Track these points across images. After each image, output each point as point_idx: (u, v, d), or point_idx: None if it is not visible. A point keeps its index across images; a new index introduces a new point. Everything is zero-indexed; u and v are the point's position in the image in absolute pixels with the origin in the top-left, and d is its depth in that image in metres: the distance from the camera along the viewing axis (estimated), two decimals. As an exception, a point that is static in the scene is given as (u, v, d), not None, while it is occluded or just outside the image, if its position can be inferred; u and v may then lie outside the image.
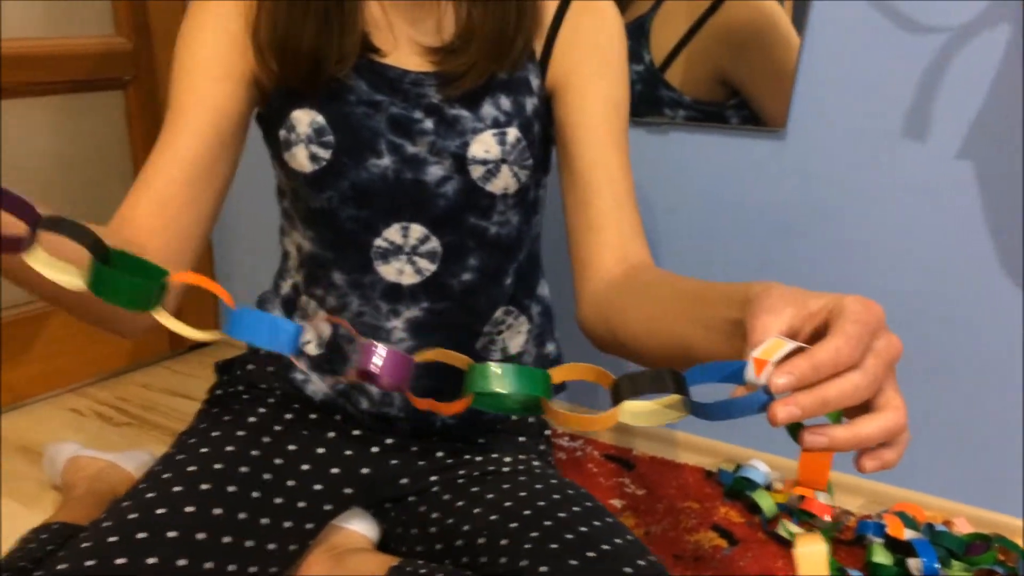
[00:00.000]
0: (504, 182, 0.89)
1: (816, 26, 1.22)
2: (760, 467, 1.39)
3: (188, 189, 0.82)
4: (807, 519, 1.27)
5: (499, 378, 0.50)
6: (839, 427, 0.49)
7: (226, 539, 0.80)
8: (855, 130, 1.25)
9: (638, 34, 1.29)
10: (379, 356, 0.52)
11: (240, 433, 0.92)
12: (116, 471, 1.21)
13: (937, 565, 1.14)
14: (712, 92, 1.29)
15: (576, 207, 0.89)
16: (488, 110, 0.87)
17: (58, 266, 0.51)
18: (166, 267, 0.80)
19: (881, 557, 1.17)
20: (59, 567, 0.74)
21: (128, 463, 1.23)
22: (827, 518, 1.27)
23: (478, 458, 0.97)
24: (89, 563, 0.74)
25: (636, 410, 0.51)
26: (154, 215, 0.80)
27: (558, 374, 0.52)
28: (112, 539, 0.77)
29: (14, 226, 0.57)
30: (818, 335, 0.51)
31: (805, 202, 1.30)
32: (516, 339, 1.00)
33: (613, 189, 0.88)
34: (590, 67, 0.89)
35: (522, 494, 0.87)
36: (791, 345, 0.48)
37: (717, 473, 1.42)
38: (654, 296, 0.76)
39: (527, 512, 0.83)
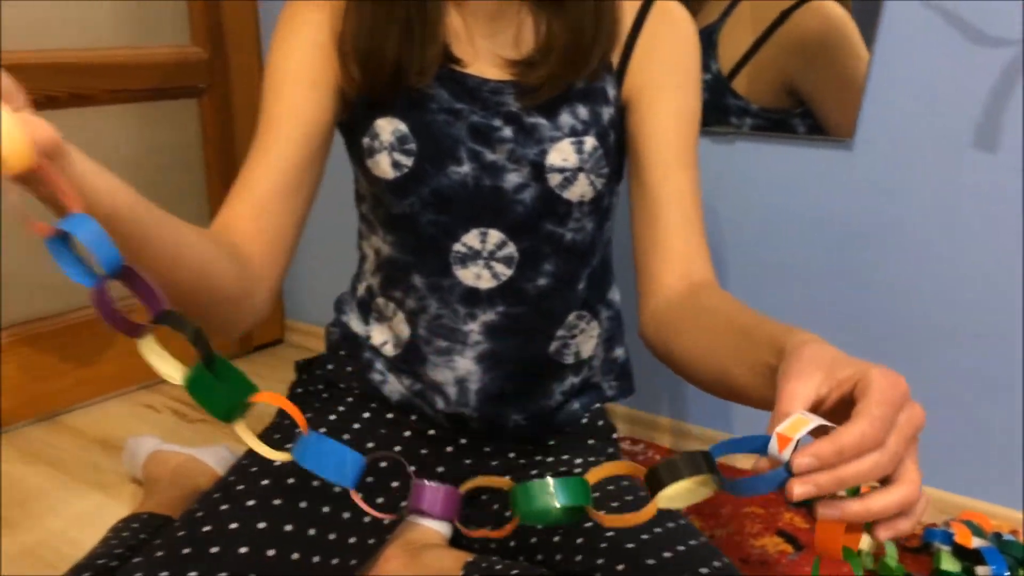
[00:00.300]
0: (581, 190, 0.91)
1: (886, 36, 1.22)
2: (823, 473, 1.39)
3: (283, 196, 0.86)
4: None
5: (541, 496, 0.54)
6: (853, 501, 0.51)
7: (311, 532, 0.84)
8: (924, 140, 1.24)
9: (706, 44, 1.31)
10: (431, 495, 0.56)
11: (321, 430, 0.96)
12: (197, 464, 1.26)
13: (1007, 573, 1.14)
14: (778, 100, 1.30)
15: (643, 220, 0.92)
16: (566, 119, 0.89)
17: (165, 358, 0.54)
18: (266, 269, 0.84)
19: (949, 564, 1.17)
20: (156, 554, 0.78)
21: (207, 457, 1.27)
22: (892, 526, 1.27)
23: (549, 459, 0.99)
24: (185, 551, 0.78)
25: (671, 494, 0.53)
26: (253, 220, 0.84)
27: (594, 475, 0.55)
28: (206, 528, 0.81)
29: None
30: (844, 402, 0.53)
31: (872, 212, 1.30)
32: (587, 343, 1.02)
33: (681, 205, 0.90)
34: (665, 79, 0.91)
35: (595, 495, 0.89)
36: (814, 423, 0.50)
37: (779, 479, 1.42)
38: (707, 326, 0.79)
39: (602, 512, 0.85)
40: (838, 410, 0.54)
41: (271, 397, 0.53)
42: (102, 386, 1.70)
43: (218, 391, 0.52)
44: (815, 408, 0.54)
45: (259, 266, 0.84)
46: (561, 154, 0.89)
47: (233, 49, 1.80)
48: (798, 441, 0.50)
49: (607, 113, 0.91)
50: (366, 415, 1.00)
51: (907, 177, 1.27)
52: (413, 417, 1.01)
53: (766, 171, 1.36)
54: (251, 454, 0.93)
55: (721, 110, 1.33)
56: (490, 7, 0.89)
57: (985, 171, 1.22)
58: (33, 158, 0.50)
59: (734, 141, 1.36)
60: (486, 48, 0.91)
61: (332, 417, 0.99)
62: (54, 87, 1.52)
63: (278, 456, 0.54)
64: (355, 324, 1.04)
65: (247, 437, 0.54)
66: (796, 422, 0.51)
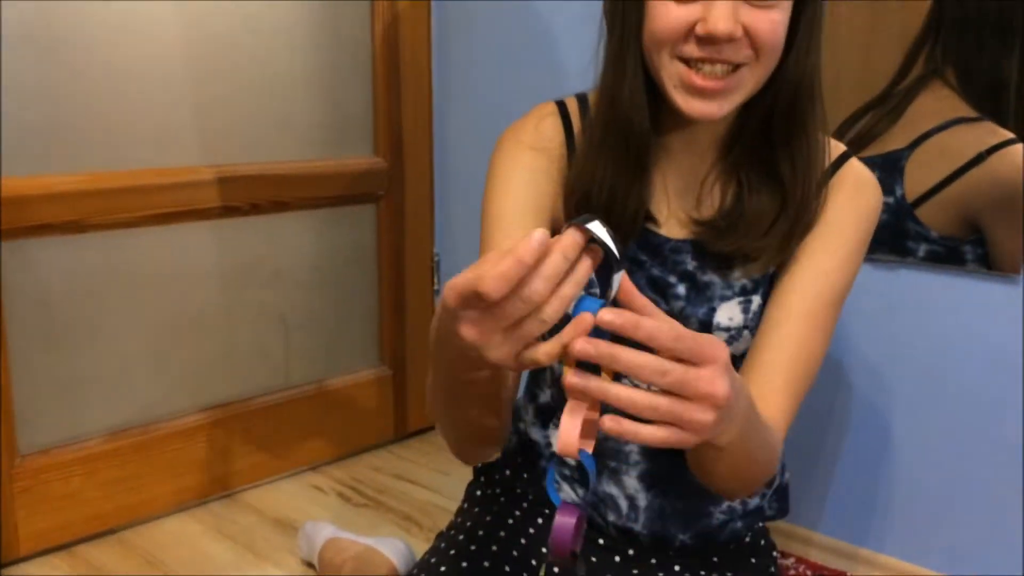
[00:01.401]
0: (744, 345, 0.95)
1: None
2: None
3: None
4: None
5: None
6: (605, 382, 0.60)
7: None
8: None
9: (891, 168, 1.35)
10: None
11: (501, 534, 1.03)
12: (376, 555, 1.35)
13: None
14: (957, 230, 1.32)
15: (748, 358, 0.93)
16: (738, 277, 0.94)
17: None
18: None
19: None
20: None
21: (385, 548, 1.37)
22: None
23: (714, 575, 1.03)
24: None
25: None
26: None
27: None
28: None
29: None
30: None
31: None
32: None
33: (782, 355, 0.90)
34: (824, 242, 0.92)
35: None
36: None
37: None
38: None
39: None
40: None
41: None
42: (275, 467, 1.84)
43: None
44: None
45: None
46: (728, 313, 0.94)
47: (410, 159, 1.96)
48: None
49: (773, 269, 0.95)
50: (540, 521, 1.07)
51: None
52: (584, 526, 1.06)
53: (928, 301, 1.38)
54: (437, 552, 1.01)
55: (900, 234, 1.37)
56: (684, 169, 0.95)
57: None
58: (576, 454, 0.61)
59: (898, 269, 1.39)
60: (676, 205, 0.96)
61: (510, 521, 1.06)
62: (260, 196, 1.70)
63: None
64: (533, 431, 1.11)
65: None
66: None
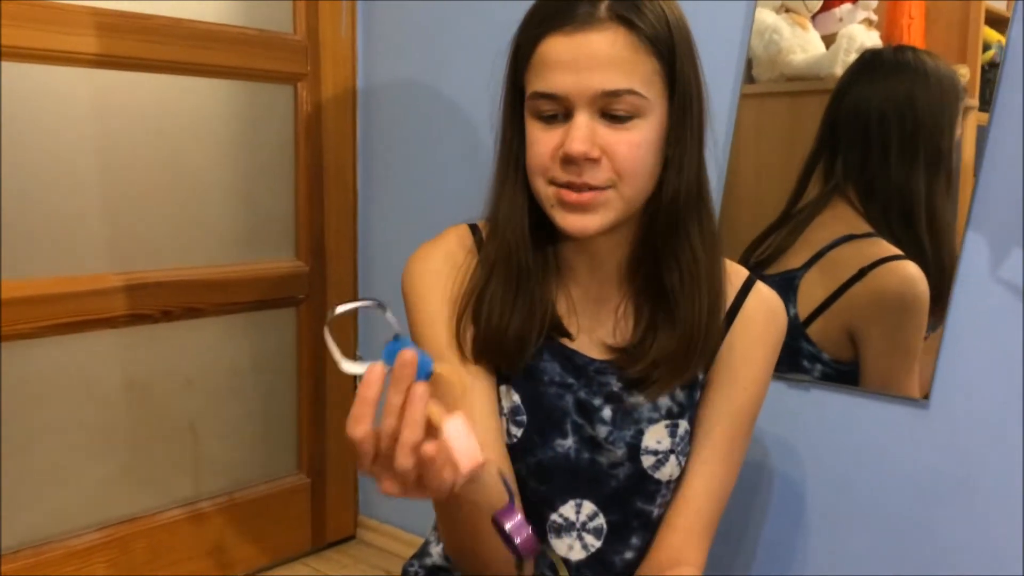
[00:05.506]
0: (670, 470, 0.94)
1: (962, 306, 1.26)
2: None
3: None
4: None
5: None
6: None
7: None
8: (999, 407, 1.26)
9: (787, 287, 1.36)
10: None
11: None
12: None
13: None
14: (846, 352, 1.34)
15: (671, 493, 0.97)
16: (664, 400, 0.93)
17: None
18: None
19: None
20: None
21: None
22: None
23: None
24: None
25: None
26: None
27: None
28: None
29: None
30: None
31: (945, 472, 1.30)
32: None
33: (704, 498, 0.95)
34: (737, 373, 0.95)
35: None
36: None
37: None
38: None
39: None
40: None
41: None
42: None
43: None
44: None
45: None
46: (655, 436, 0.93)
47: (332, 262, 1.94)
48: None
49: (697, 395, 0.96)
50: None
51: (982, 441, 1.27)
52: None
53: (838, 421, 1.38)
54: None
55: (794, 353, 1.37)
56: (593, 293, 0.95)
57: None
58: None
59: (809, 389, 1.40)
60: (587, 325, 0.95)
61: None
62: (171, 302, 1.65)
63: None
64: (441, 559, 1.06)
65: None
66: None
